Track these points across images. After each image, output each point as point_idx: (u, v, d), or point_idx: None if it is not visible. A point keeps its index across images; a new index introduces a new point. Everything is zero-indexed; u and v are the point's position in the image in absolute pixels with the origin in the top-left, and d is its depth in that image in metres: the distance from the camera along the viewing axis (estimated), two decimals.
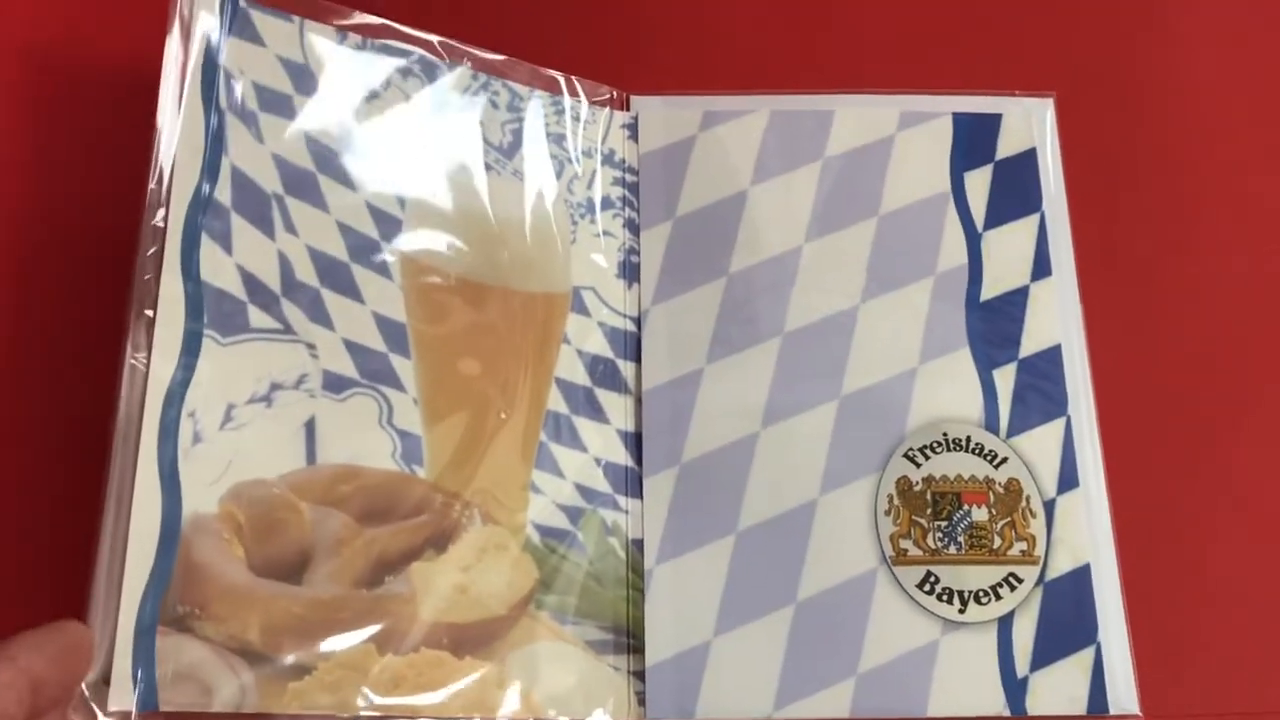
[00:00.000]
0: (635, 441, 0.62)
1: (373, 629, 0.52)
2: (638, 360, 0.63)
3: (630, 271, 0.65)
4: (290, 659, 0.50)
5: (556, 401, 0.61)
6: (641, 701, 0.57)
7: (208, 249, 0.53)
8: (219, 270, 0.53)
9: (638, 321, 0.64)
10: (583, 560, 0.59)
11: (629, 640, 0.58)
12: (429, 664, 0.53)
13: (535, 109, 0.65)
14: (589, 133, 0.66)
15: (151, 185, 0.52)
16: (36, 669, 0.41)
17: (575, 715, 0.56)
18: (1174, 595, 0.61)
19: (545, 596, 0.57)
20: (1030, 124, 0.68)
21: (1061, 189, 0.67)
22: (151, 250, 0.51)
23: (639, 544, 0.60)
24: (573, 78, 0.66)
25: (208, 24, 0.56)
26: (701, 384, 0.63)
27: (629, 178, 0.66)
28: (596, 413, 0.62)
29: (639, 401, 0.62)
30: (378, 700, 0.51)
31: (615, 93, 0.68)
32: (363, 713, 0.51)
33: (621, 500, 0.61)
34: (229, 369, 0.52)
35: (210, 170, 0.54)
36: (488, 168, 0.62)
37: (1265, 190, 0.69)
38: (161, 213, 0.52)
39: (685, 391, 0.63)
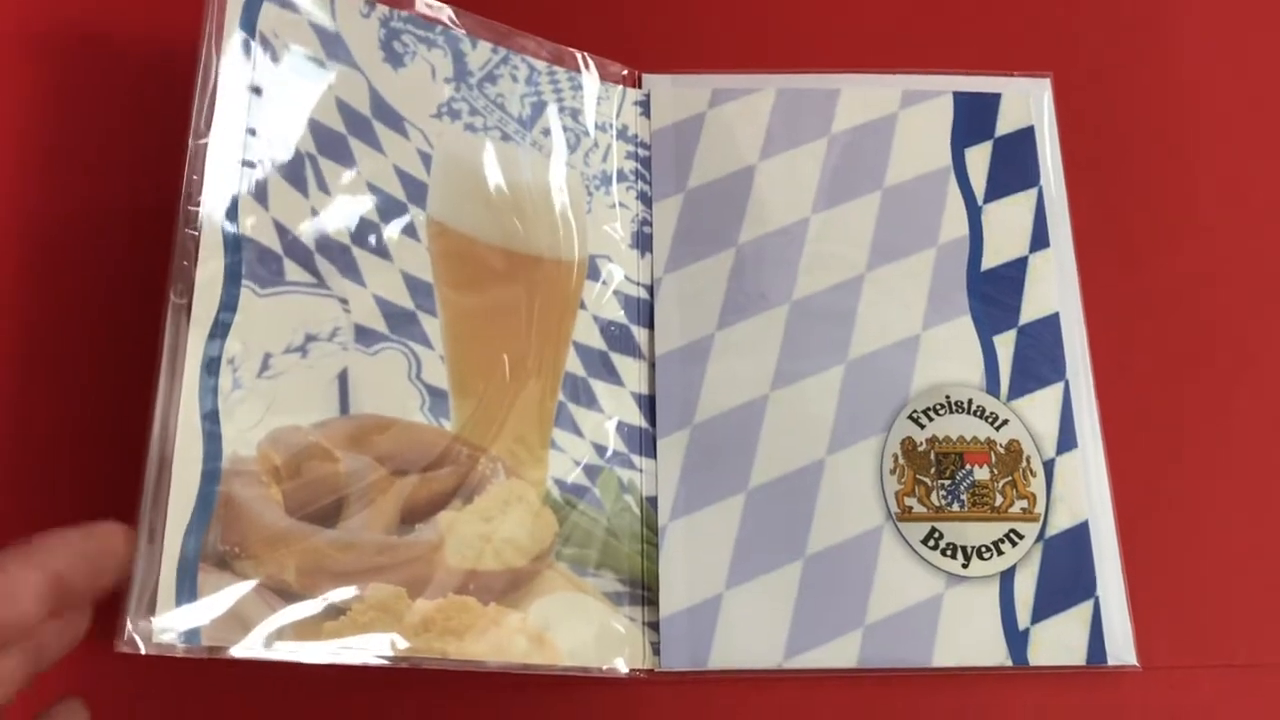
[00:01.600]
0: (649, 404, 0.64)
1: (404, 573, 0.54)
2: (650, 326, 0.65)
3: (643, 242, 0.67)
4: (325, 600, 0.52)
5: (574, 364, 0.62)
6: (657, 651, 0.59)
7: (246, 203, 0.55)
8: (257, 224, 0.55)
9: (650, 289, 0.66)
10: (600, 516, 0.60)
11: (644, 593, 0.60)
12: (456, 609, 0.55)
13: (552, 84, 0.67)
14: (603, 108, 0.68)
15: (191, 140, 0.54)
16: (61, 567, 0.41)
17: (593, 663, 0.58)
18: (1170, 550, 0.63)
19: (565, 549, 0.59)
20: (1028, 103, 0.70)
21: (1059, 165, 0.69)
22: (192, 205, 0.53)
23: (653, 501, 0.62)
24: (588, 55, 0.68)
25: None
26: (712, 349, 0.64)
27: (641, 152, 0.68)
28: (611, 376, 0.63)
29: (652, 366, 0.64)
30: (409, 642, 0.53)
31: (628, 70, 0.70)
32: (394, 654, 0.52)
33: (636, 459, 0.62)
34: (266, 319, 0.54)
35: (248, 128, 0.56)
36: (507, 138, 0.64)
37: (1258, 165, 0.71)
38: (201, 167, 0.54)
39: (697, 356, 0.64)
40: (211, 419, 0.51)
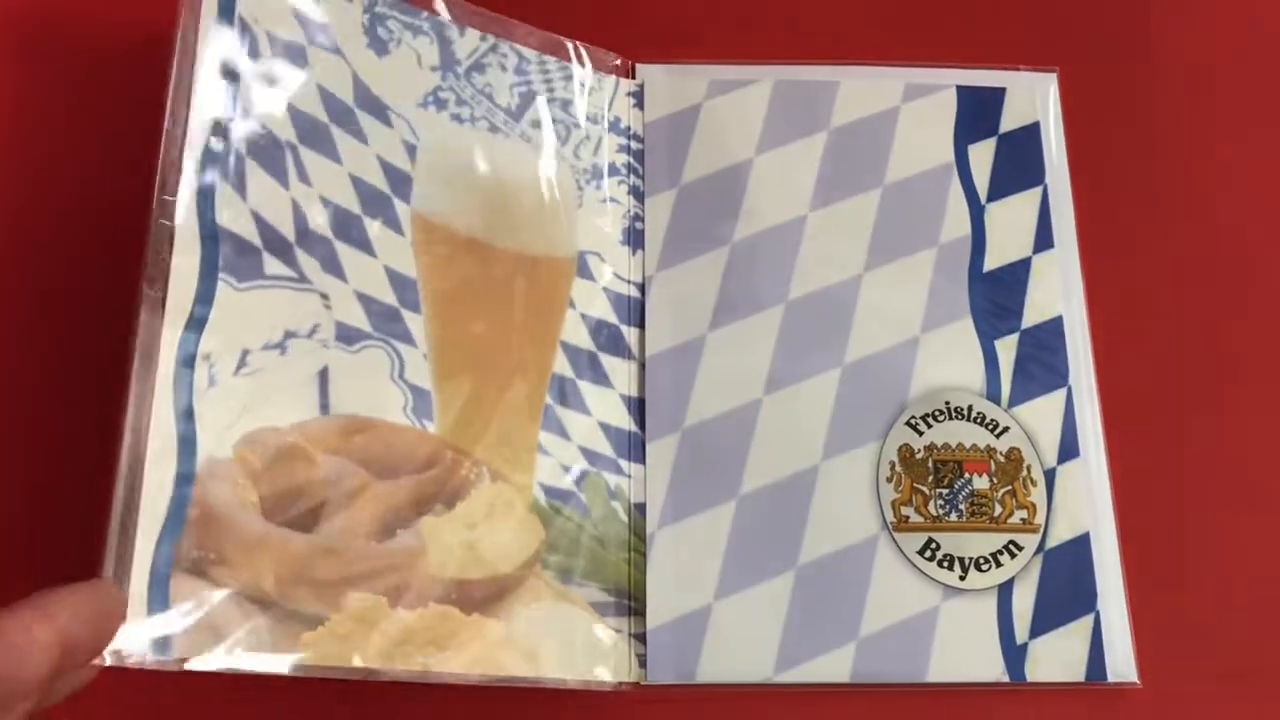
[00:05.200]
0: (638, 406, 0.62)
1: (385, 581, 0.52)
2: (641, 326, 0.63)
3: (635, 238, 0.65)
4: (303, 608, 0.50)
5: (562, 365, 0.61)
6: (643, 664, 0.57)
7: (224, 193, 0.52)
8: (235, 216, 0.53)
9: (641, 288, 0.64)
10: (587, 522, 0.59)
11: (630, 603, 0.59)
12: (437, 619, 0.53)
13: (542, 74, 0.65)
14: (595, 99, 0.66)
15: (167, 127, 0.52)
16: (73, 630, 0.40)
17: (578, 676, 0.56)
18: (1174, 562, 0.61)
19: (550, 557, 0.57)
20: (1034, 98, 0.68)
21: (1064, 163, 0.67)
22: (167, 194, 0.51)
23: (641, 508, 0.60)
24: (579, 44, 0.66)
25: None
26: (704, 350, 0.63)
27: (634, 145, 0.66)
28: (600, 377, 0.61)
29: (642, 367, 0.62)
30: (386, 657, 0.51)
31: (621, 60, 0.68)
32: (373, 667, 0.50)
33: (624, 464, 0.61)
34: (244, 314, 0.52)
35: (226, 117, 0.54)
36: (495, 129, 0.62)
37: (1266, 163, 0.70)
38: (177, 155, 0.52)
39: (688, 358, 0.63)
40: (186, 418, 0.49)
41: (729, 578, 0.59)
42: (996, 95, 0.68)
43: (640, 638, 0.58)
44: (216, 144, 0.53)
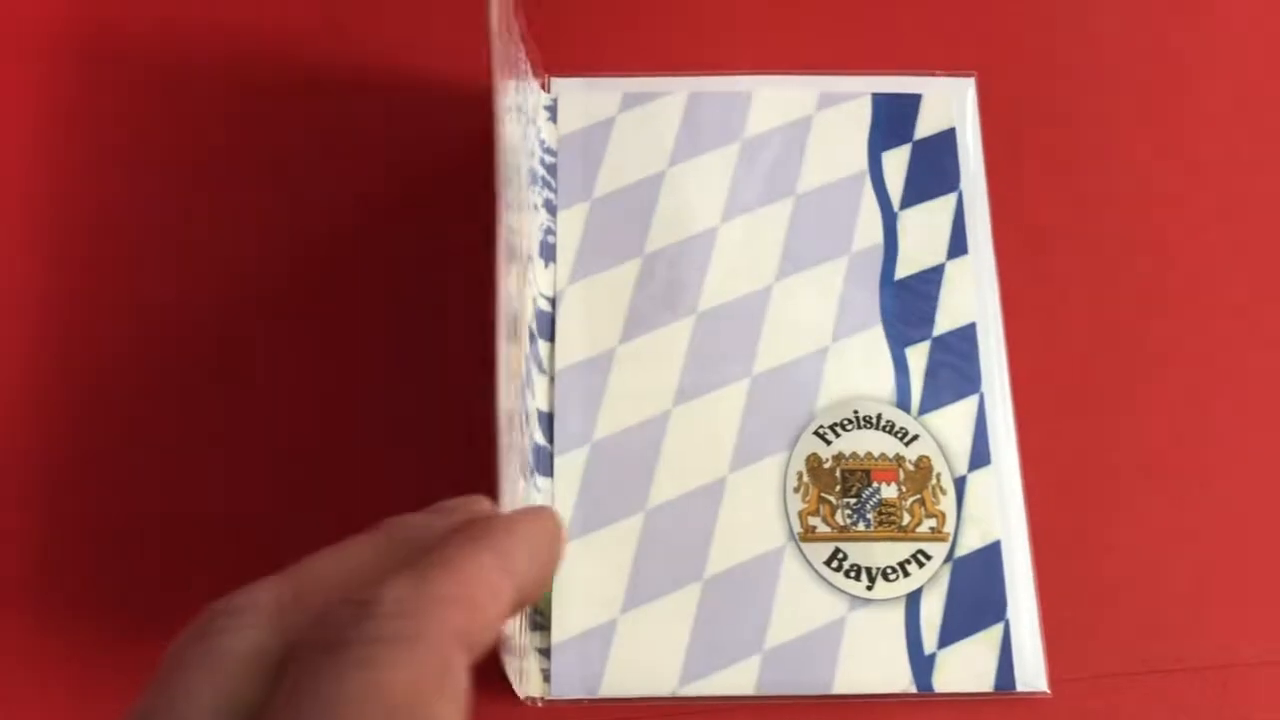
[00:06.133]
0: (548, 421, 0.62)
1: None
2: (552, 340, 0.63)
3: (548, 252, 0.65)
4: None
5: None
6: (547, 679, 0.57)
7: None
8: None
9: (553, 302, 0.64)
10: None
11: (536, 617, 0.58)
12: None
13: None
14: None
15: None
16: (528, 580, 0.34)
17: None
18: (1087, 570, 0.61)
19: None
20: (950, 104, 0.68)
21: (980, 168, 0.67)
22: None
23: None
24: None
25: None
26: (614, 363, 0.63)
27: (548, 159, 0.66)
28: None
29: (552, 380, 0.62)
30: None
31: (537, 74, 0.68)
32: None
33: (537, 479, 0.60)
34: None
35: None
36: None
37: (1188, 168, 0.69)
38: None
39: (598, 371, 0.63)
40: None
41: (635, 591, 0.59)
42: (912, 102, 0.68)
43: (545, 653, 0.58)
44: None
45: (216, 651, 0.29)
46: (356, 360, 0.64)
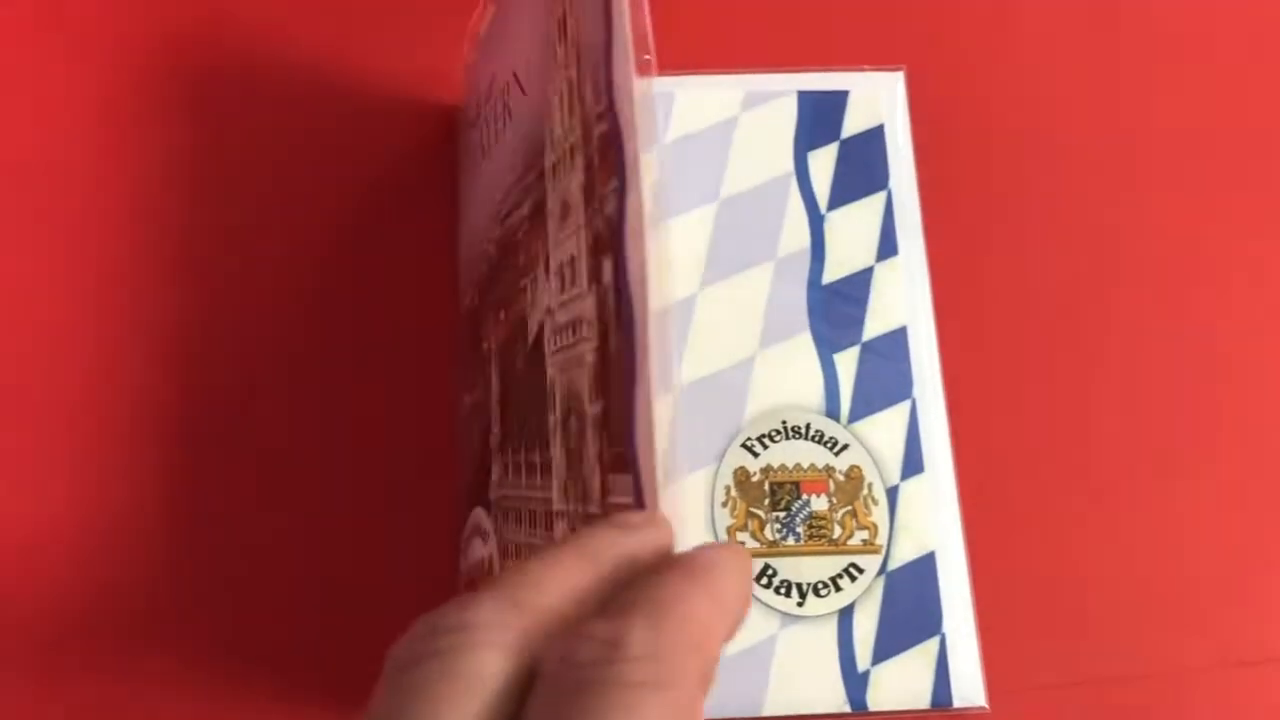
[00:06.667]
0: None
1: None
2: None
3: None
4: None
5: None
6: None
7: None
8: None
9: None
10: None
11: None
12: None
13: None
14: None
15: None
16: (737, 614, 0.34)
17: None
18: (1025, 580, 0.60)
19: None
20: (879, 100, 0.66)
21: (910, 165, 0.65)
22: None
23: None
24: None
25: None
26: None
27: None
28: None
29: None
30: None
31: None
32: None
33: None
34: None
35: None
36: None
37: (1119, 163, 0.68)
38: None
39: None
40: None
41: None
42: (839, 99, 0.66)
43: None
44: None
45: (458, 673, 0.28)
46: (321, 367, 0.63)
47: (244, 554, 0.59)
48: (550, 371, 0.45)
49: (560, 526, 0.43)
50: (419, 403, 0.62)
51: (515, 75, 0.52)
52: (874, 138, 0.65)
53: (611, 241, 0.39)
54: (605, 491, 0.39)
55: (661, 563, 0.33)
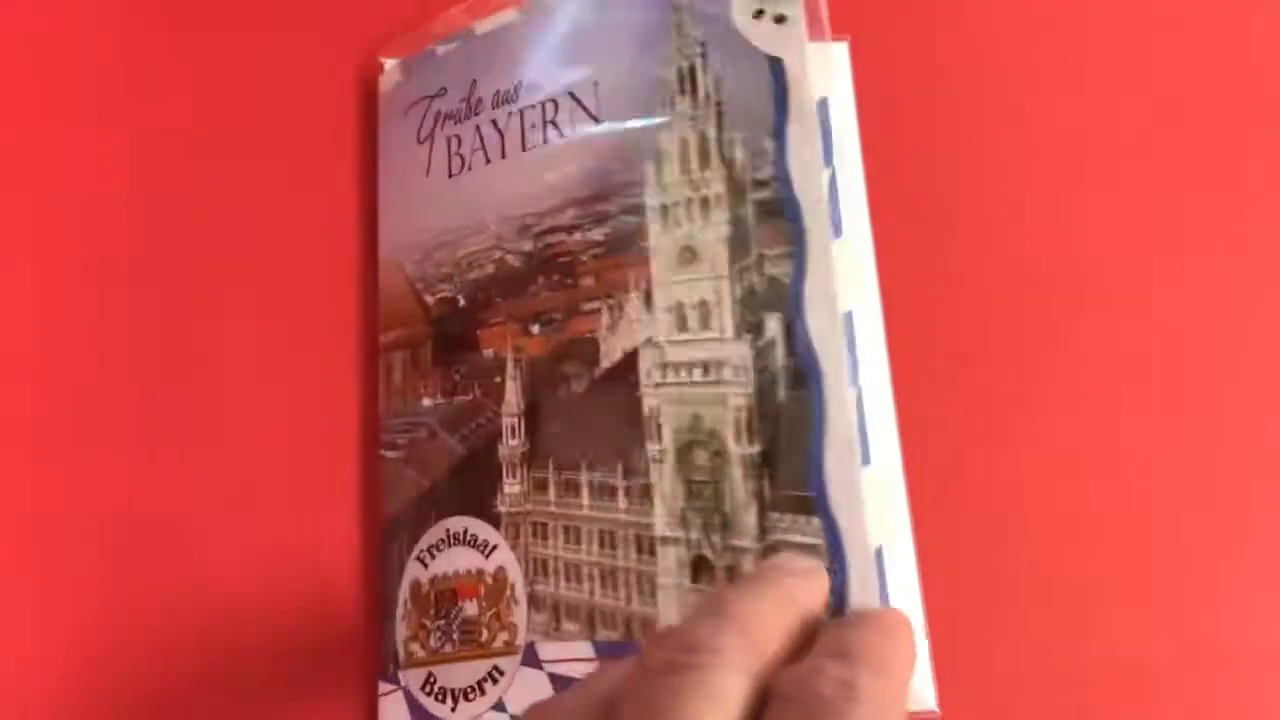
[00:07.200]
0: None
1: None
2: None
3: None
4: None
5: None
6: None
7: None
8: None
9: None
10: None
11: None
12: None
13: None
14: None
15: None
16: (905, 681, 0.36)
17: None
18: (979, 579, 0.52)
19: None
20: (821, 72, 0.54)
21: (855, 142, 0.54)
22: None
23: None
24: None
25: None
26: None
27: None
28: None
29: None
30: None
31: None
32: None
33: None
34: None
35: None
36: None
37: (1075, 138, 0.58)
38: None
39: None
40: None
41: None
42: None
43: None
44: None
45: (712, 688, 0.32)
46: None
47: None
48: (652, 402, 0.47)
49: (670, 552, 0.46)
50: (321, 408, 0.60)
51: (575, 96, 0.54)
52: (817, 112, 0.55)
53: (778, 303, 0.46)
54: (764, 529, 0.44)
55: (858, 619, 0.36)
